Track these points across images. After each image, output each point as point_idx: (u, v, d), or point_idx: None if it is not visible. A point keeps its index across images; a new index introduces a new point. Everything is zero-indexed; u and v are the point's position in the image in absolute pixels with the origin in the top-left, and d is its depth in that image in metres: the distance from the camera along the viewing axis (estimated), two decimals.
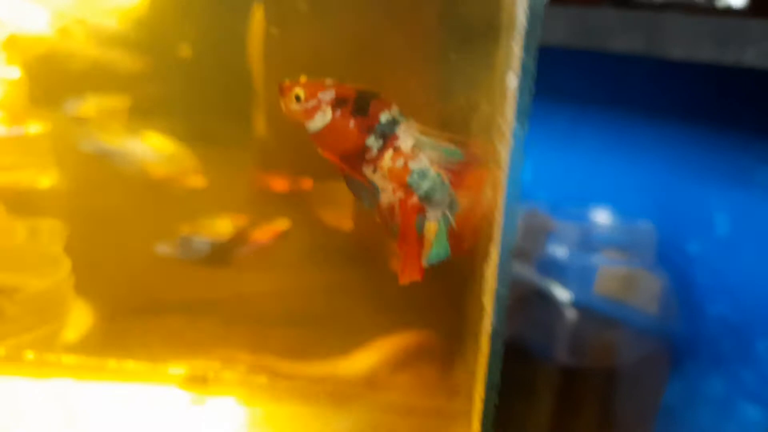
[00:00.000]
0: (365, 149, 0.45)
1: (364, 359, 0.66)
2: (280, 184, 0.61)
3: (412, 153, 0.45)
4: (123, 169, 0.60)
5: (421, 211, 0.46)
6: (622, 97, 0.99)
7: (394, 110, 0.46)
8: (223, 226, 0.62)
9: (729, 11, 0.78)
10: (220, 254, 0.62)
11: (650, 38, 0.77)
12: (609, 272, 0.87)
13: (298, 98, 0.45)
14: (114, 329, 0.64)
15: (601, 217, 0.91)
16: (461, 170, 0.46)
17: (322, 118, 0.45)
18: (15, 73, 0.56)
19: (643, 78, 0.96)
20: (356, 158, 0.46)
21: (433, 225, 0.46)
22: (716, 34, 0.73)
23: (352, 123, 0.45)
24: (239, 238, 0.62)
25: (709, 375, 0.93)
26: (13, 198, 0.61)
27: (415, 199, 0.46)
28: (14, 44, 0.55)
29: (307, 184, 0.62)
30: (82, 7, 0.55)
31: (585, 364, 0.87)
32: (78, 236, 0.62)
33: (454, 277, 0.53)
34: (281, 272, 0.64)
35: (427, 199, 0.46)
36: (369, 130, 0.45)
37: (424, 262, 0.46)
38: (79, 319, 0.64)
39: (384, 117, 0.45)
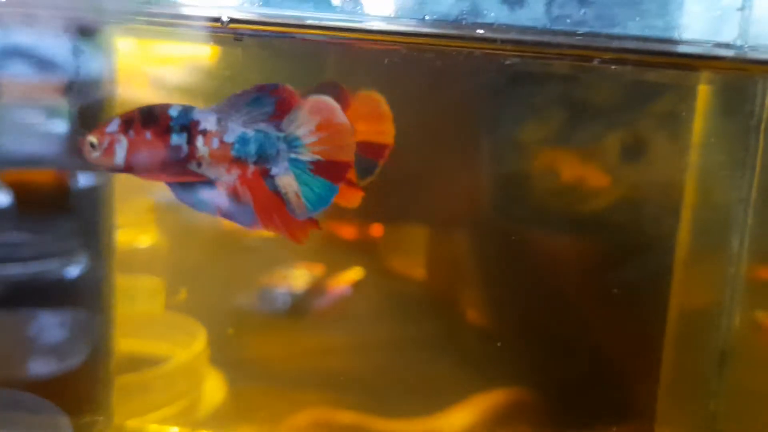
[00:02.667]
0: (176, 150, 0.44)
1: (460, 418, 0.62)
2: (349, 231, 0.59)
3: (221, 127, 0.43)
4: (200, 221, 0.61)
5: (265, 174, 0.43)
6: None
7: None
8: (300, 277, 0.61)
9: None
10: (300, 305, 0.61)
11: None
12: None
13: (93, 146, 0.44)
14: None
15: None
16: (279, 106, 0.43)
17: (121, 148, 0.44)
18: None
19: None
20: (175, 164, 0.44)
21: (286, 178, 0.43)
22: None
23: (148, 134, 0.44)
24: (317, 289, 0.61)
25: None
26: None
27: (252, 168, 0.43)
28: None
29: (376, 231, 0.59)
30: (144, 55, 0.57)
31: None
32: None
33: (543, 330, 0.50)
34: (357, 324, 0.62)
35: (263, 159, 0.43)
36: (166, 130, 0.44)
37: (307, 214, 0.43)
38: (213, 391, 0.65)
39: (173, 111, 0.44)
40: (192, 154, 0.44)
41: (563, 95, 0.54)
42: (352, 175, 0.45)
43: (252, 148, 0.43)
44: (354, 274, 0.61)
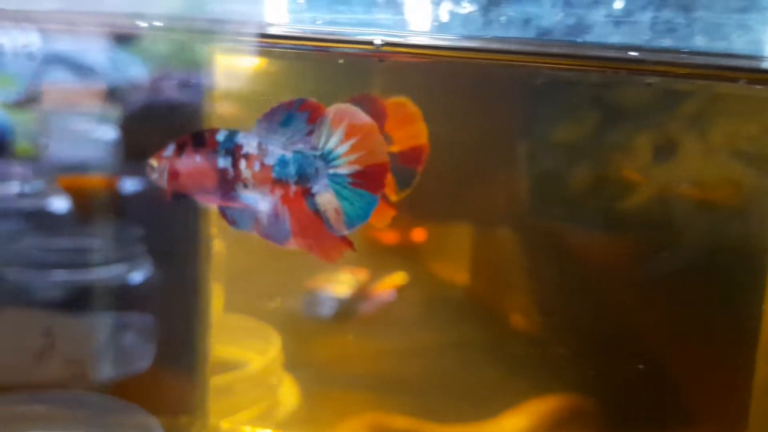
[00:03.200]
0: (223, 173, 0.45)
1: (513, 424, 0.60)
2: (391, 236, 0.58)
3: (261, 150, 0.45)
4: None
5: (307, 193, 0.44)
6: None
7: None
8: (345, 282, 0.61)
9: None
10: (346, 310, 0.61)
11: None
12: None
13: (152, 168, 0.47)
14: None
15: None
16: (310, 121, 0.44)
17: (175, 172, 0.47)
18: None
19: None
20: (223, 187, 0.46)
21: (326, 195, 0.44)
22: None
23: (198, 158, 0.46)
24: (362, 294, 0.60)
25: None
26: None
27: (294, 188, 0.44)
28: None
29: (419, 235, 0.58)
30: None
31: None
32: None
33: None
34: (403, 328, 0.61)
35: (304, 179, 0.44)
36: (214, 154, 0.45)
37: (345, 230, 0.43)
38: (288, 395, 0.65)
39: (220, 135, 0.45)
40: (237, 177, 0.45)
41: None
42: (390, 189, 0.46)
43: (291, 169, 0.44)
44: (398, 278, 0.60)
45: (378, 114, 0.44)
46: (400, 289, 0.60)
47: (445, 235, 0.58)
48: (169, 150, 0.47)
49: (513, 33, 0.48)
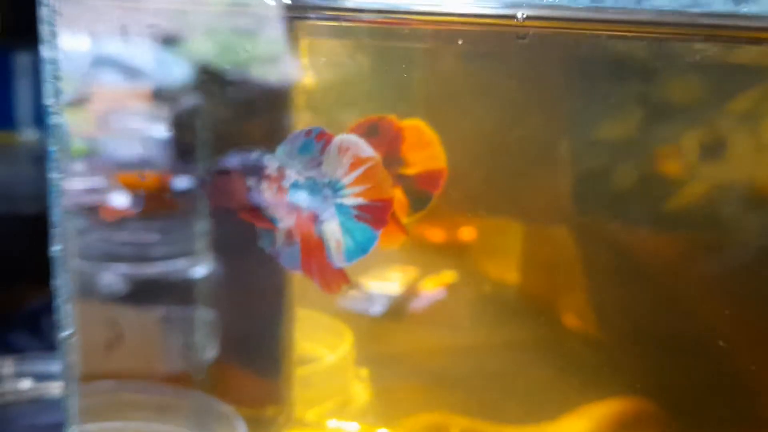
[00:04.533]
0: (250, 192, 0.47)
1: (573, 427, 0.58)
2: (438, 234, 0.56)
3: (279, 173, 0.46)
4: None
5: (316, 219, 0.45)
6: None
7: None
8: (395, 279, 0.60)
9: None
10: (396, 308, 0.60)
11: None
12: None
13: (204, 180, 0.51)
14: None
15: None
16: (323, 151, 0.44)
17: (216, 187, 0.50)
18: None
19: None
20: (253, 205, 0.47)
21: (332, 224, 0.44)
22: None
23: (234, 175, 0.47)
24: (412, 291, 0.59)
25: None
26: None
27: (306, 213, 0.45)
28: None
29: (468, 234, 0.56)
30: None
31: None
32: None
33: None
34: (454, 327, 0.60)
35: (313, 205, 0.45)
36: (245, 173, 0.47)
37: (344, 263, 0.44)
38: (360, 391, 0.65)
39: (251, 156, 0.47)
40: (260, 197, 0.47)
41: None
42: (403, 211, 0.45)
43: (303, 194, 0.45)
44: (447, 277, 0.58)
45: (394, 136, 0.44)
46: (450, 288, 0.58)
47: (496, 233, 0.56)
48: (216, 166, 0.49)
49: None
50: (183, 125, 0.59)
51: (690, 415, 0.54)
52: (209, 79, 0.57)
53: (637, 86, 0.49)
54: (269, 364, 0.63)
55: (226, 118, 0.57)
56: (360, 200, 0.43)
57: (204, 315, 0.63)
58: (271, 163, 0.46)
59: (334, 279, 0.45)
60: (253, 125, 0.57)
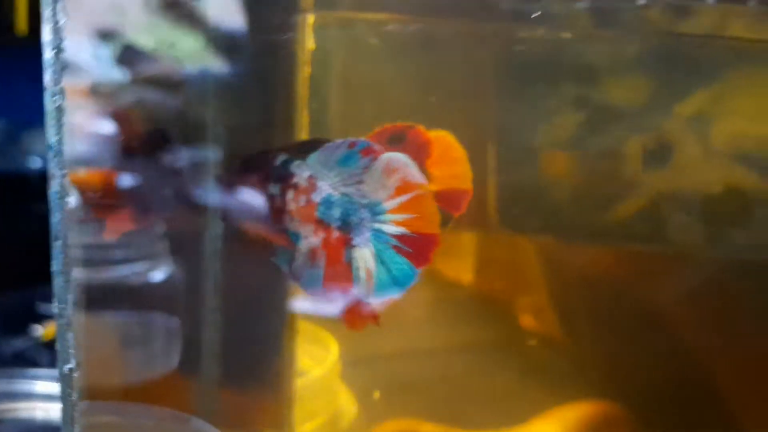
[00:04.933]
0: (272, 199, 0.42)
1: (542, 431, 0.56)
2: None
3: (310, 185, 0.40)
4: None
5: (348, 243, 0.39)
6: None
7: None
8: None
9: None
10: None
11: None
12: None
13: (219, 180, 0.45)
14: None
15: None
16: (372, 171, 0.39)
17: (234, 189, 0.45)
18: None
19: None
20: (272, 215, 0.42)
21: (365, 251, 0.38)
22: None
23: (253, 179, 0.43)
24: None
25: None
26: None
27: (336, 234, 0.39)
28: None
29: None
30: None
31: None
32: None
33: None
34: (410, 330, 0.57)
35: (347, 226, 0.39)
36: (267, 178, 0.41)
37: (372, 297, 0.39)
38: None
39: (279, 159, 0.41)
40: (283, 207, 0.42)
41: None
42: None
43: (336, 212, 0.40)
44: None
45: (421, 147, 0.40)
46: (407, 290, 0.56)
47: (451, 235, 0.54)
48: (236, 164, 0.44)
49: None
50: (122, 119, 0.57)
51: (655, 418, 0.52)
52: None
53: (577, 88, 0.46)
54: (268, 384, 0.59)
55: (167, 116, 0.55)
56: (402, 230, 0.38)
57: (163, 321, 0.60)
58: (301, 171, 0.41)
59: (359, 314, 0.40)
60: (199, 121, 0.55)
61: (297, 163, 0.41)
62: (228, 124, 0.52)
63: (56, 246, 0.42)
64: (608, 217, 0.47)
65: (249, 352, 0.58)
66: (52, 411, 0.61)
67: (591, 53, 0.44)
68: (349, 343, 0.60)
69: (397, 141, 0.39)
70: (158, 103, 0.55)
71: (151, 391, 0.58)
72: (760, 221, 0.44)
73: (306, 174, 0.40)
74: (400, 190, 0.38)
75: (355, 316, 0.39)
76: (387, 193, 0.38)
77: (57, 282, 0.43)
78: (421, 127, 0.40)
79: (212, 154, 0.52)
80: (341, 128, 0.49)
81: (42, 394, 0.64)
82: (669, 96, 0.44)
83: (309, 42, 0.51)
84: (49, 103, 0.41)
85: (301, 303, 0.58)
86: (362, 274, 0.38)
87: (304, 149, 0.41)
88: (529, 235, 0.49)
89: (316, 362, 0.60)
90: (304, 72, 0.51)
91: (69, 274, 0.43)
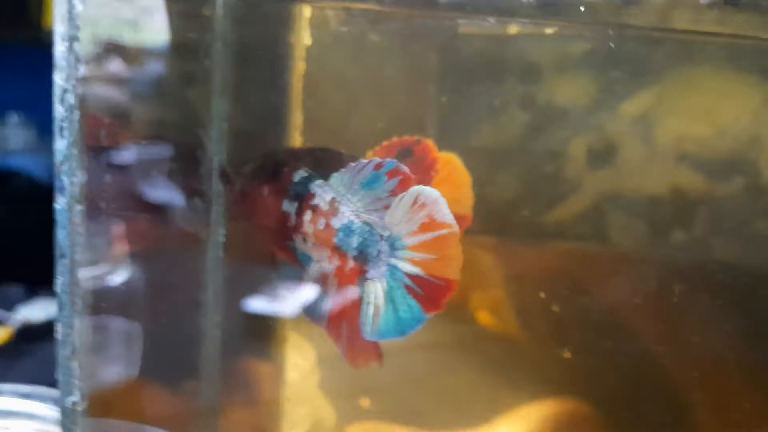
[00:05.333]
0: (285, 217, 0.39)
1: (511, 430, 0.55)
2: None
3: (332, 208, 0.38)
4: None
5: (362, 274, 0.37)
6: None
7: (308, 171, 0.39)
8: None
9: None
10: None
11: None
12: None
13: (227, 179, 0.44)
14: None
15: None
16: (395, 192, 0.36)
17: (243, 194, 0.43)
18: None
19: None
20: (281, 231, 0.40)
21: (377, 285, 0.36)
22: None
23: (266, 190, 0.40)
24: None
25: None
26: None
27: (352, 264, 0.37)
28: None
29: None
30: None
31: None
32: None
33: None
34: None
35: (363, 257, 0.37)
36: (283, 193, 0.39)
37: (374, 336, 0.37)
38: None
39: (298, 175, 0.39)
40: (298, 227, 0.39)
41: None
42: None
43: (354, 241, 0.37)
44: None
45: (428, 165, 0.38)
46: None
47: None
48: (248, 167, 0.42)
49: None
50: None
51: (619, 416, 0.51)
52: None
53: (522, 87, 0.45)
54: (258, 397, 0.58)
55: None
56: (418, 270, 0.35)
57: (122, 325, 0.59)
58: (323, 192, 0.39)
59: (362, 351, 0.37)
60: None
61: (319, 182, 0.39)
62: (222, 122, 0.50)
63: (62, 264, 0.37)
64: (552, 216, 0.46)
65: (238, 362, 0.56)
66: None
67: (536, 52, 0.43)
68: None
69: (405, 155, 0.38)
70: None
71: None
72: (702, 221, 0.43)
73: (329, 196, 0.38)
74: (425, 227, 0.35)
75: (357, 353, 0.38)
76: (411, 228, 0.35)
77: (61, 304, 0.38)
78: (429, 142, 0.39)
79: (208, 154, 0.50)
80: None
81: None
82: (613, 96, 0.43)
83: (305, 37, 0.49)
84: (60, 102, 0.36)
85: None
86: (370, 310, 0.36)
87: (321, 163, 0.39)
88: (473, 235, 0.48)
89: (296, 369, 0.59)
90: (298, 68, 0.50)
91: (75, 295, 0.39)
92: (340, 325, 0.37)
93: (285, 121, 0.50)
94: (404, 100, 0.47)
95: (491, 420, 0.55)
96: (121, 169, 0.43)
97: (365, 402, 0.59)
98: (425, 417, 0.57)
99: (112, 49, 0.41)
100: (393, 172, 0.36)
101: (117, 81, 0.42)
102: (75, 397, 0.39)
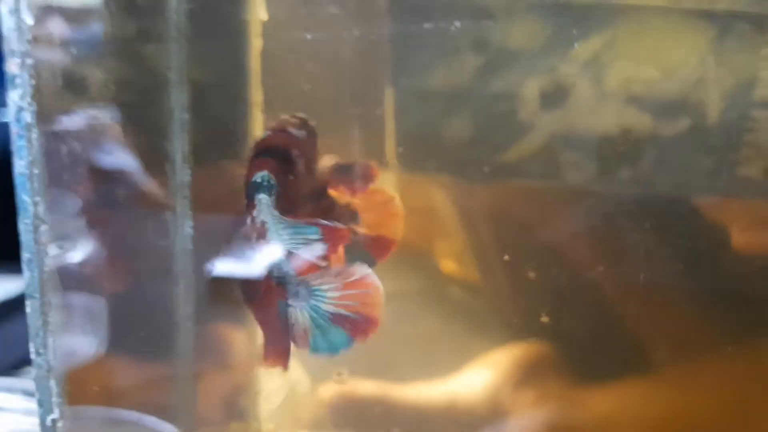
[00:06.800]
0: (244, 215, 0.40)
1: (479, 376, 0.56)
2: None
3: (262, 229, 0.38)
4: None
5: (282, 297, 0.38)
6: None
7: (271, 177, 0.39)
8: None
9: None
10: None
11: None
12: None
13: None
14: None
15: None
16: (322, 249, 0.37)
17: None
18: None
19: None
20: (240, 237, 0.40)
21: (299, 314, 0.38)
22: None
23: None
24: None
25: None
26: None
27: (277, 287, 0.38)
28: None
29: None
30: None
31: None
32: None
33: None
34: None
35: (281, 285, 0.37)
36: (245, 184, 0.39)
37: (305, 351, 0.38)
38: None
39: (258, 176, 0.38)
40: (247, 234, 0.40)
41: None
42: (338, 260, 0.41)
43: (274, 270, 0.38)
44: None
45: (367, 177, 0.41)
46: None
47: None
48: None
49: None
50: None
51: (583, 359, 0.53)
52: None
53: (474, 31, 0.45)
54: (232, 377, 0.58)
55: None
56: (341, 311, 0.37)
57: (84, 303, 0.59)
58: (260, 210, 0.38)
59: (282, 354, 0.39)
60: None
61: (262, 197, 0.38)
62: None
63: (32, 302, 0.37)
64: (505, 156, 0.47)
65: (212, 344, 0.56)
66: None
67: None
68: None
69: (346, 172, 0.41)
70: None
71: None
72: (648, 159, 0.45)
73: (262, 216, 0.38)
74: (349, 285, 0.37)
75: (274, 355, 0.39)
76: (331, 286, 0.37)
77: (32, 323, 0.38)
78: (373, 165, 0.41)
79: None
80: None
81: None
82: (565, 40, 0.43)
83: (261, 12, 0.49)
84: (15, 118, 0.35)
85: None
86: (298, 331, 0.37)
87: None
88: (428, 175, 0.48)
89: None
90: (255, 45, 0.49)
91: (47, 315, 0.39)
92: (262, 324, 0.39)
93: (245, 98, 0.49)
94: (360, 64, 0.48)
95: (460, 368, 0.56)
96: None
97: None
98: (395, 369, 0.57)
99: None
100: (326, 229, 0.37)
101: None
102: (54, 415, 0.40)
